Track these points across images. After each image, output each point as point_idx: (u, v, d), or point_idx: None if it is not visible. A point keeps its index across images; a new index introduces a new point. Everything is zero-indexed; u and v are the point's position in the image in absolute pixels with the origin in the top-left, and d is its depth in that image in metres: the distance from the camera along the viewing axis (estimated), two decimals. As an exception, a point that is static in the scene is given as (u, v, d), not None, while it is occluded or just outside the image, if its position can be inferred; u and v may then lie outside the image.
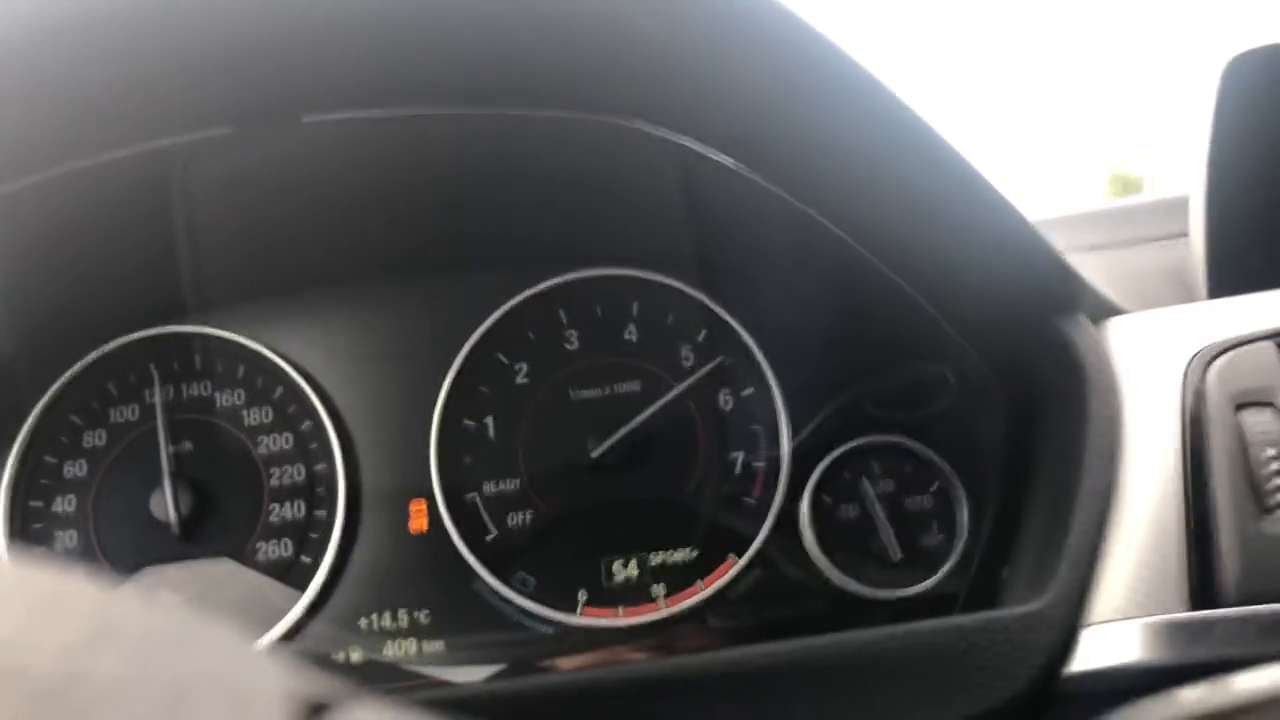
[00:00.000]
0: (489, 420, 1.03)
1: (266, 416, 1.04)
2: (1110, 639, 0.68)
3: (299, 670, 0.29)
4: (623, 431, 1.00)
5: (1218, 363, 0.80)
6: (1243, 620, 0.67)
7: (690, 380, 1.03)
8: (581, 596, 0.97)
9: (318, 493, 1.02)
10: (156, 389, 1.04)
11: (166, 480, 0.99)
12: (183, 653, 0.28)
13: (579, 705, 0.70)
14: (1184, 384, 0.79)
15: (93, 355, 1.04)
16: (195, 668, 0.27)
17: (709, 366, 1.04)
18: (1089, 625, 0.69)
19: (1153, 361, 0.82)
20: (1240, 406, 0.76)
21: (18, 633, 0.26)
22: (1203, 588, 0.69)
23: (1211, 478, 0.73)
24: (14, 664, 0.25)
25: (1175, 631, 0.67)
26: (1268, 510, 0.71)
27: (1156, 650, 0.67)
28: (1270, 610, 0.67)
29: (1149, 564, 0.70)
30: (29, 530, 1.00)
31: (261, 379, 1.05)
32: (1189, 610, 0.68)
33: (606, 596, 0.97)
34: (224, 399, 1.05)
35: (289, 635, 0.97)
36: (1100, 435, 0.77)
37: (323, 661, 0.97)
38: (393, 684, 0.95)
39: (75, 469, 1.02)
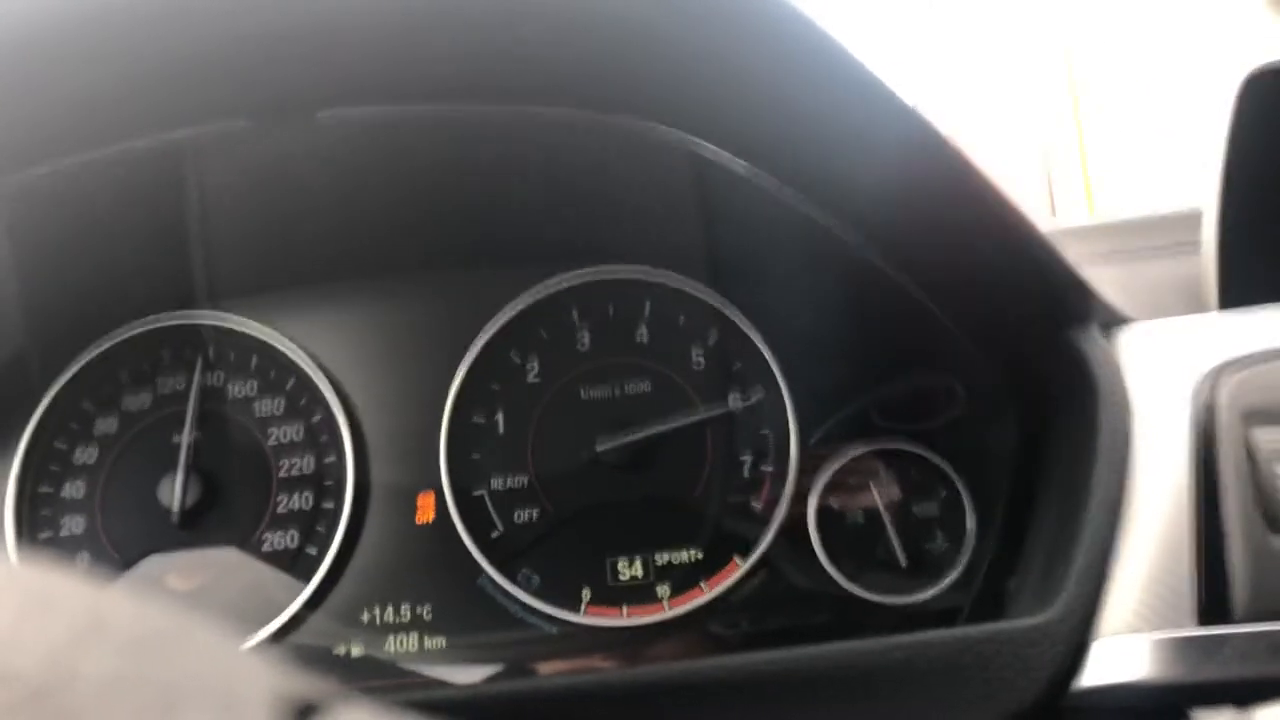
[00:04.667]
0: (499, 416, 1.04)
1: (278, 407, 1.04)
2: (1119, 654, 0.68)
3: (289, 671, 0.29)
4: (634, 437, 1.00)
5: (1230, 378, 0.79)
6: (1254, 638, 0.66)
7: (715, 412, 1.03)
8: (586, 595, 0.97)
9: (326, 484, 1.02)
10: (197, 374, 1.04)
11: (181, 468, 0.99)
12: (172, 653, 0.28)
13: (576, 709, 0.70)
14: (1195, 398, 0.79)
15: (107, 342, 1.05)
16: (185, 668, 0.27)
17: (740, 404, 1.04)
18: (1097, 639, 0.69)
19: (1164, 374, 0.81)
20: (1252, 422, 0.76)
21: (7, 632, 0.26)
22: (1212, 604, 0.69)
23: (1222, 493, 0.73)
24: (2, 664, 0.25)
25: (1185, 648, 0.67)
26: (1277, 527, 0.71)
27: (1166, 667, 0.66)
28: (1280, 629, 0.67)
29: (1158, 578, 0.70)
30: (37, 516, 1.00)
31: (274, 369, 1.05)
32: (1198, 626, 0.68)
33: (611, 595, 0.97)
34: (236, 388, 1.05)
35: (290, 626, 0.97)
36: (1110, 447, 0.77)
37: (323, 655, 0.97)
38: (392, 680, 0.95)
39: (85, 455, 1.03)
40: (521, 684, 0.86)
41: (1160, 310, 0.95)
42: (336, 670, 0.96)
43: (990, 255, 0.84)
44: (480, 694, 0.78)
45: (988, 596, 0.91)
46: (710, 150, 0.87)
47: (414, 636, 0.97)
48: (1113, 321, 0.89)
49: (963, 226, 0.83)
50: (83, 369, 1.04)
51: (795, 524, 0.98)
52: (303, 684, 0.28)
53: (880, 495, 0.98)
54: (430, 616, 0.97)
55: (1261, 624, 0.67)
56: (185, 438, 1.01)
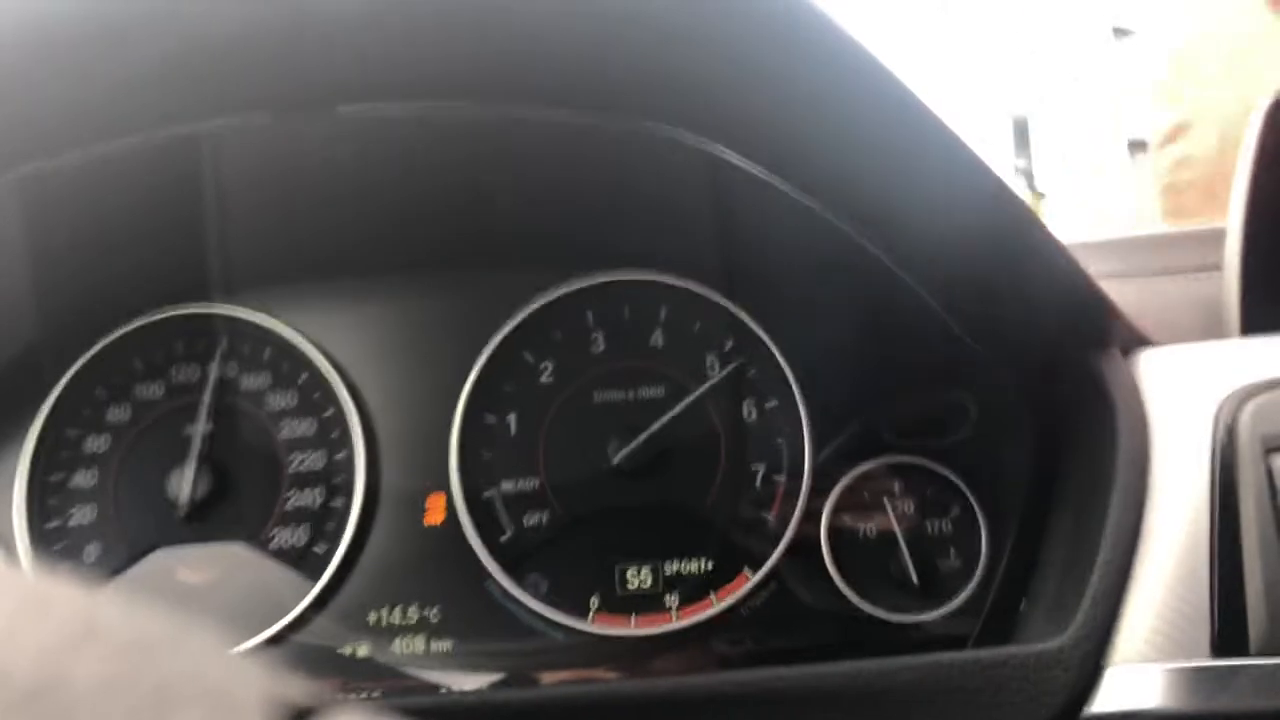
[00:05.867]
0: (511, 418, 1.03)
1: (290, 401, 1.04)
2: (1132, 682, 0.67)
3: (282, 674, 0.28)
4: (644, 435, 1.00)
5: (1250, 404, 0.78)
6: (1270, 671, 0.66)
7: (710, 383, 1.03)
8: (594, 603, 0.97)
9: (336, 481, 1.01)
10: (215, 364, 1.04)
11: (193, 459, 0.99)
12: (165, 656, 0.27)
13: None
14: (1215, 424, 0.78)
15: (121, 331, 1.05)
16: (177, 671, 0.27)
17: (726, 369, 1.03)
18: (1109, 666, 0.68)
19: (1184, 399, 0.81)
20: (1271, 450, 0.75)
21: None
22: (1228, 634, 0.68)
23: (1240, 521, 0.72)
24: None
25: (1200, 679, 0.66)
26: (1295, 557, 0.70)
27: (1180, 697, 0.66)
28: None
29: (1173, 607, 0.70)
30: (47, 504, 1.00)
31: (287, 363, 1.05)
32: (1213, 655, 0.68)
33: (619, 604, 0.97)
34: (248, 381, 1.05)
35: (296, 625, 0.96)
36: (1128, 471, 0.77)
37: (329, 656, 0.96)
38: (396, 683, 0.95)
39: (97, 444, 1.03)
40: (524, 693, 0.86)
41: (1180, 332, 0.95)
42: (341, 671, 0.95)
43: (1014, 270, 0.84)
44: (482, 702, 0.78)
45: (999, 618, 0.90)
46: (735, 158, 0.86)
47: (420, 639, 0.96)
48: (1133, 344, 0.88)
49: (988, 242, 0.82)
50: (96, 357, 1.04)
51: (807, 537, 0.98)
52: (296, 688, 0.28)
53: (894, 511, 0.97)
54: (437, 619, 0.97)
55: (1278, 657, 0.67)
56: (199, 428, 1.01)
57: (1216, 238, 1.30)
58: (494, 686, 0.95)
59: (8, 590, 0.29)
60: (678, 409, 1.01)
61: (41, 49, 0.68)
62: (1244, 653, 0.67)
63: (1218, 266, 1.30)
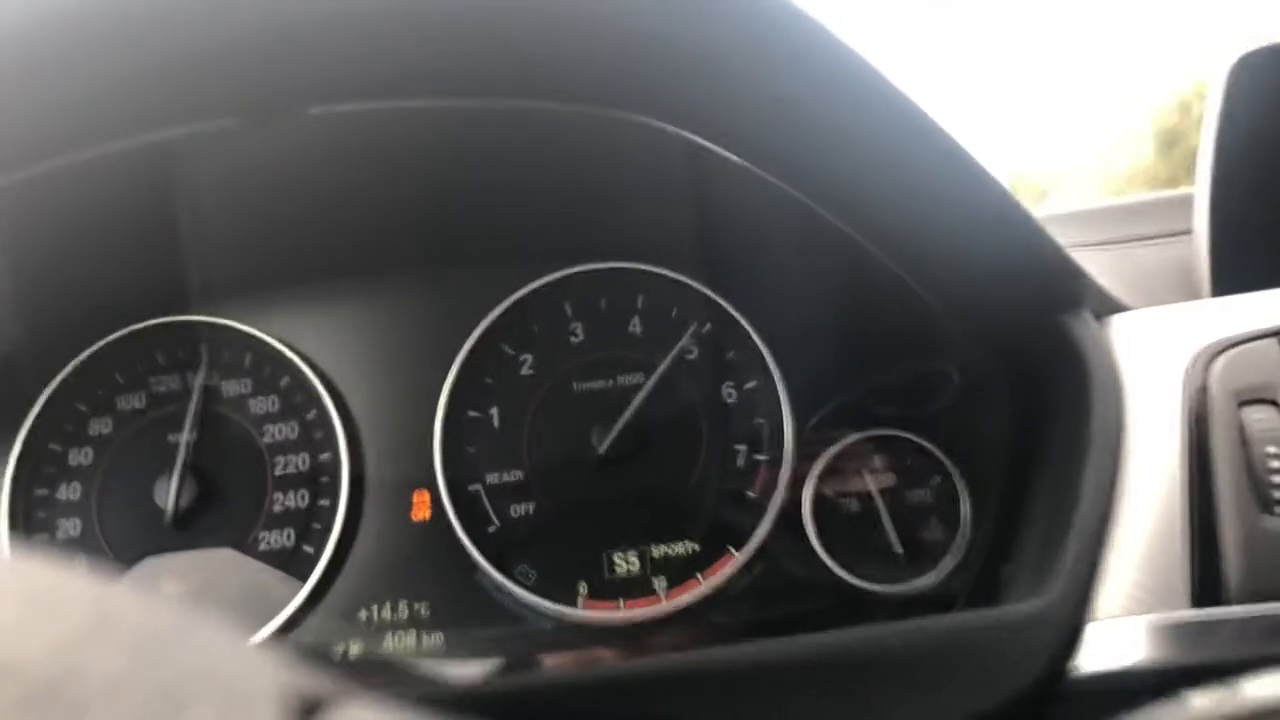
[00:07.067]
0: (493, 411, 1.04)
1: (273, 405, 1.04)
2: (1114, 638, 0.68)
3: (294, 667, 0.28)
4: (623, 418, 1.00)
5: (1221, 360, 0.80)
6: (1248, 620, 0.67)
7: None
8: (582, 589, 0.97)
9: (322, 482, 1.02)
10: (202, 372, 1.04)
11: (179, 468, 0.99)
12: (178, 649, 0.27)
13: (576, 702, 0.70)
14: (1187, 381, 0.79)
15: (101, 344, 1.05)
16: (190, 664, 0.27)
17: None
18: (1092, 623, 0.69)
19: (1156, 358, 0.82)
20: (1243, 403, 0.76)
21: (12, 628, 0.26)
22: (1205, 586, 0.69)
23: (1214, 475, 0.73)
24: (7, 660, 0.25)
25: (1180, 631, 0.67)
26: (1269, 508, 0.71)
27: (1161, 650, 0.67)
28: (1276, 610, 0.67)
29: (1152, 561, 0.70)
30: (33, 519, 1.00)
31: (268, 368, 1.05)
32: (1192, 608, 0.68)
33: (607, 589, 0.97)
34: (230, 388, 1.05)
35: (288, 626, 0.96)
36: (1103, 432, 0.77)
37: (321, 654, 0.97)
38: (390, 679, 0.95)
39: (80, 457, 1.02)
40: (527, 677, 0.86)
41: (1153, 297, 0.96)
42: (335, 669, 0.96)
43: (984, 242, 0.84)
44: (485, 689, 0.78)
45: (984, 582, 0.91)
46: (708, 144, 0.86)
47: (411, 634, 0.96)
48: (1105, 308, 0.89)
49: (958, 214, 0.83)
50: (77, 370, 1.04)
51: (791, 514, 0.98)
52: (309, 680, 0.28)
53: (875, 483, 0.98)
54: (427, 614, 0.97)
55: (1256, 605, 0.68)
56: (185, 437, 1.01)
57: (1186, 204, 1.32)
58: (491, 675, 0.95)
59: (20, 584, 0.29)
60: (649, 385, 1.01)
61: (9, 60, 0.68)
62: (1223, 603, 0.68)
63: (1188, 232, 1.31)
